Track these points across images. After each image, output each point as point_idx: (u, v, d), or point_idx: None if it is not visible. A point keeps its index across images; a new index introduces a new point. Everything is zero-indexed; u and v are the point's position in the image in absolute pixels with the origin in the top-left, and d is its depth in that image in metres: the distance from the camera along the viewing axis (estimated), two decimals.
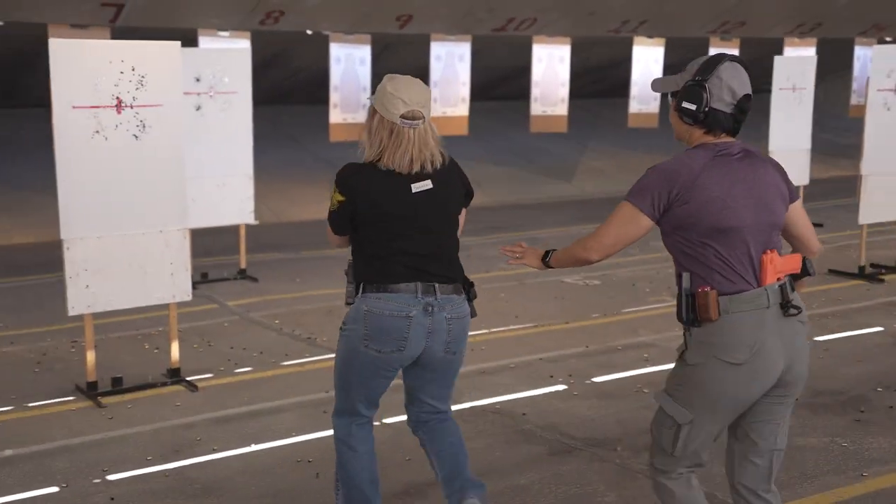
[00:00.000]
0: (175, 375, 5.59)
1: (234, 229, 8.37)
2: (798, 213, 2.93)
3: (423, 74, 12.03)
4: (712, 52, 13.93)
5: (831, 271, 8.43)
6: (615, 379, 5.66)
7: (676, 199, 2.75)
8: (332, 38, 10.89)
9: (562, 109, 12.71)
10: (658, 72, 13.68)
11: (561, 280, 8.29)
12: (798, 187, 10.84)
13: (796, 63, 11.38)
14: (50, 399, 5.30)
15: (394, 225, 3.23)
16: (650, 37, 13.43)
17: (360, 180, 3.22)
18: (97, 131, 5.05)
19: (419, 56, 12.42)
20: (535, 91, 12.61)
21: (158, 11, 9.57)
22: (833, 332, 6.54)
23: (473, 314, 3.41)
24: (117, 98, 5.07)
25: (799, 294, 2.87)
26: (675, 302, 2.86)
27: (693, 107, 2.78)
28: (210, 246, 9.06)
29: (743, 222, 2.75)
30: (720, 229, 2.73)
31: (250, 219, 8.12)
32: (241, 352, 6.19)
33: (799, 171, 11.12)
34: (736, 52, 14.18)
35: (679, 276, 2.83)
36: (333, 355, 3.52)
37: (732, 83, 2.77)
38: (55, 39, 4.98)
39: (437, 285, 3.26)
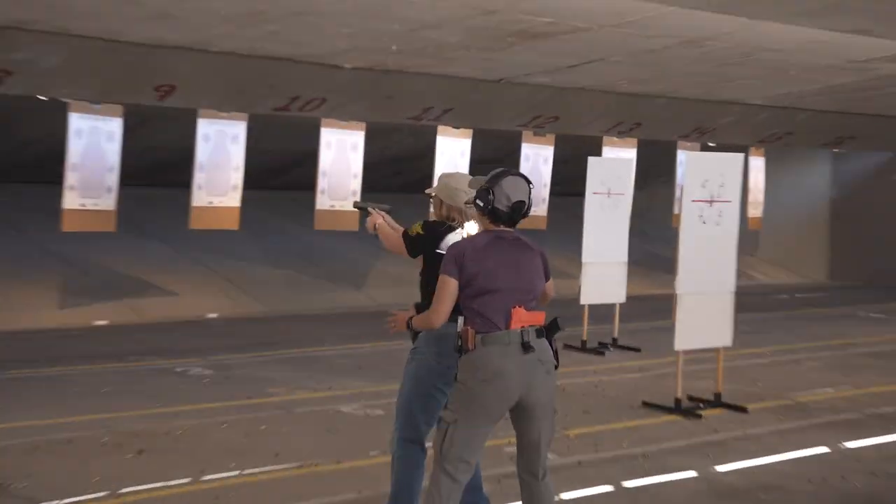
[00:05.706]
0: None
1: None
2: (548, 288, 4.69)
3: (187, 156, 11.58)
4: (524, 147, 14.21)
5: (645, 404, 8.36)
6: None
7: (463, 265, 4.45)
8: (72, 108, 10.26)
9: (349, 205, 12.47)
10: (465, 166, 13.70)
11: (337, 410, 7.86)
12: (614, 304, 10.91)
13: (612, 165, 11.62)
14: None
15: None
16: (456, 127, 13.49)
17: (437, 230, 5.01)
18: None
19: (184, 134, 11.91)
20: (322, 182, 12.32)
21: None
22: (641, 477, 6.38)
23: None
24: None
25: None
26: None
27: (482, 204, 4.51)
28: None
29: (501, 287, 4.44)
30: (485, 290, 4.44)
31: None
32: None
33: (614, 288, 11.15)
34: (551, 148, 14.49)
35: (457, 319, 4.54)
36: None
37: (509, 191, 4.48)
38: None
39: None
